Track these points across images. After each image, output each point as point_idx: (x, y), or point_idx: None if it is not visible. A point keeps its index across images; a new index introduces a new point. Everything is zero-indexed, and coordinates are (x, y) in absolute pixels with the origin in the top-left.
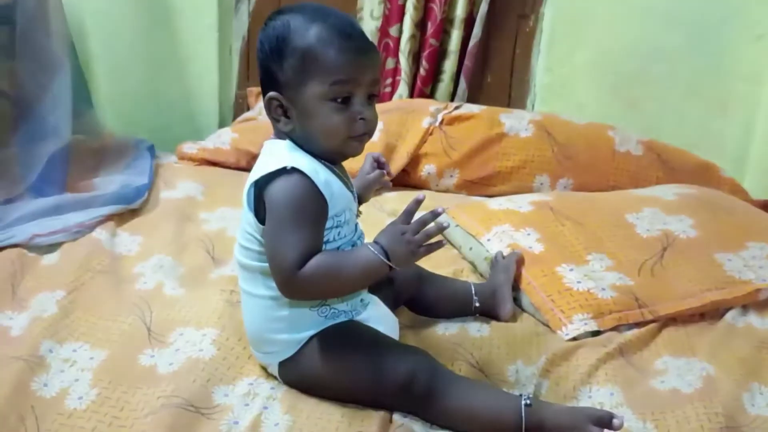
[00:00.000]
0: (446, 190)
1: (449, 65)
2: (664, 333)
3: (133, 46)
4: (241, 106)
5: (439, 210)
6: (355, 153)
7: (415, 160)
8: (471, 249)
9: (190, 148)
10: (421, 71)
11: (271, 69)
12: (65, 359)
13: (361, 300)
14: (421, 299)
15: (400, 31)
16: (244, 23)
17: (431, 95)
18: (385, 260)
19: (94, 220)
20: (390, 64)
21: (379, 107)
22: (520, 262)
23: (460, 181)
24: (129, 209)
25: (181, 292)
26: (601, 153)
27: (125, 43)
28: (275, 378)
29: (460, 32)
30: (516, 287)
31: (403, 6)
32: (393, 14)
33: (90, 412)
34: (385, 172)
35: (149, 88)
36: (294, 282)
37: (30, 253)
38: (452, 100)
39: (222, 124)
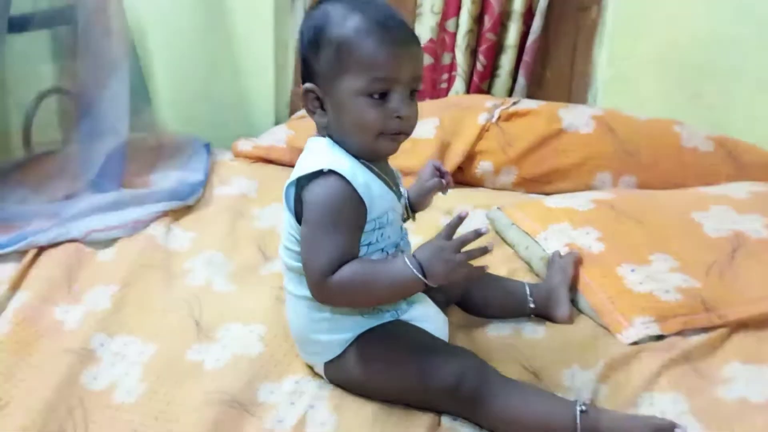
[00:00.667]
0: (503, 188)
1: (507, 60)
2: (733, 339)
3: (191, 44)
4: (296, 104)
5: (483, 230)
6: (389, 152)
7: (470, 157)
8: (527, 248)
9: (245, 145)
10: (478, 67)
11: (308, 60)
12: (115, 353)
13: (407, 299)
14: (473, 298)
15: (457, 26)
16: (300, 19)
17: (488, 91)
18: (421, 276)
19: (149, 216)
20: (446, 59)
21: (434, 103)
22: (578, 262)
23: (518, 178)
24: (184, 206)
25: (230, 288)
26: (667, 149)
27: (183, 42)
28: (322, 377)
29: (519, 26)
30: (574, 288)
31: (460, 0)
32: (450, 9)
33: (138, 405)
34: (444, 181)
35: (206, 86)
36: (324, 288)
37: (87, 248)
38: (510, 96)
39: (278, 122)
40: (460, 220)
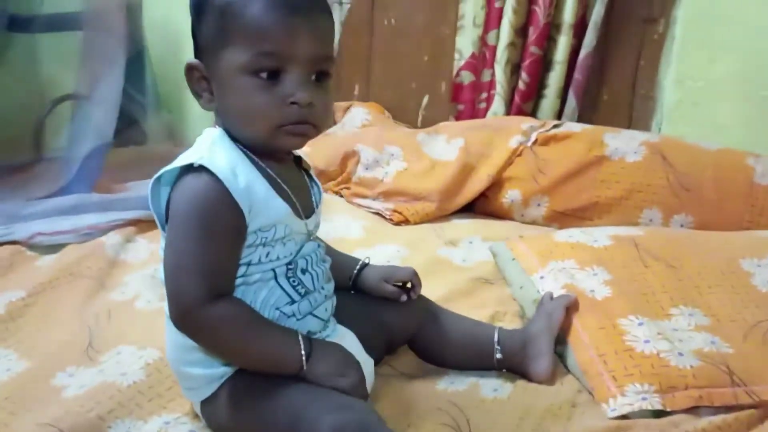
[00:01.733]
0: (533, 222)
1: (555, 78)
2: (766, 425)
3: None
4: (330, 123)
5: None
6: (289, 148)
7: (497, 184)
8: (521, 288)
9: None
10: (520, 85)
11: (194, 30)
12: None
13: (308, 332)
14: (426, 340)
15: (498, 39)
16: (336, 34)
17: (533, 114)
18: (303, 362)
19: (108, 224)
20: (485, 76)
21: (461, 124)
22: (572, 307)
23: (549, 211)
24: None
25: (156, 306)
26: (735, 185)
27: None
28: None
29: (569, 39)
30: (562, 340)
31: (501, 9)
32: (491, 19)
33: None
34: (406, 297)
35: None
36: (193, 317)
37: (29, 251)
38: (558, 119)
39: None
40: None
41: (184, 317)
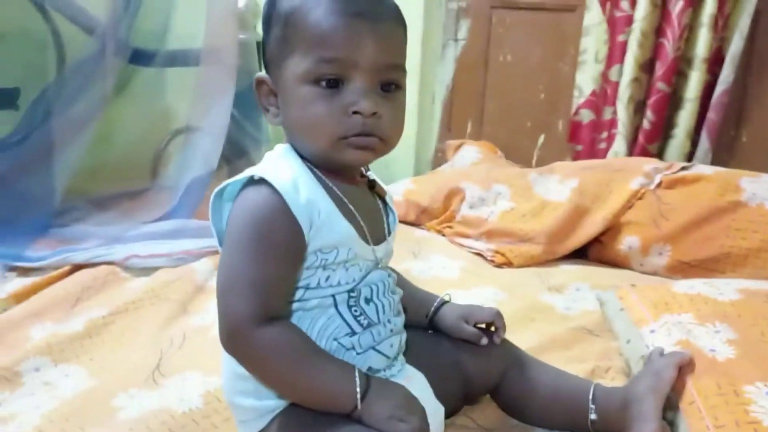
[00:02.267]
0: (653, 273)
1: (685, 117)
2: None
3: None
4: (439, 161)
5: None
6: (355, 163)
7: (615, 229)
8: (628, 342)
9: None
10: (645, 124)
11: (263, 43)
12: (46, 382)
13: (369, 368)
14: (510, 392)
15: (620, 74)
16: (450, 70)
17: (659, 156)
18: (358, 401)
19: (203, 250)
20: (606, 114)
21: (581, 164)
22: (686, 367)
23: (673, 261)
24: None
25: None
26: None
27: None
28: None
29: (702, 75)
30: (673, 404)
31: (625, 43)
32: (613, 54)
33: None
34: (487, 340)
35: None
36: (241, 341)
37: (123, 272)
38: (689, 162)
39: (417, 176)
40: None
41: (232, 338)
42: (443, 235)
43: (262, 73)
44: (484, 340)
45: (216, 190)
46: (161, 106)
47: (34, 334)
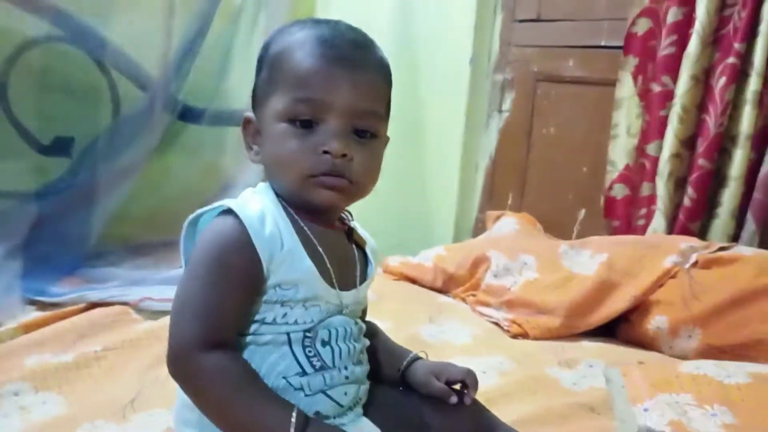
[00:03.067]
0: (684, 357)
1: (729, 196)
2: None
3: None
4: (479, 231)
5: None
6: (323, 203)
7: (645, 308)
8: (622, 422)
9: (394, 260)
10: (686, 201)
11: (254, 84)
12: (22, 407)
13: (317, 413)
14: None
15: (661, 149)
16: (493, 141)
17: (701, 235)
18: None
19: None
20: (645, 190)
21: (614, 239)
22: None
23: (702, 345)
24: None
25: None
26: None
27: None
28: None
29: (746, 152)
30: None
31: (666, 118)
32: (652, 128)
33: None
34: (456, 399)
35: (389, 198)
36: (183, 364)
37: (136, 314)
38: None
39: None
40: None
41: (175, 360)
42: (466, 303)
43: (250, 113)
44: (453, 399)
45: (190, 218)
46: (206, 162)
47: (27, 363)
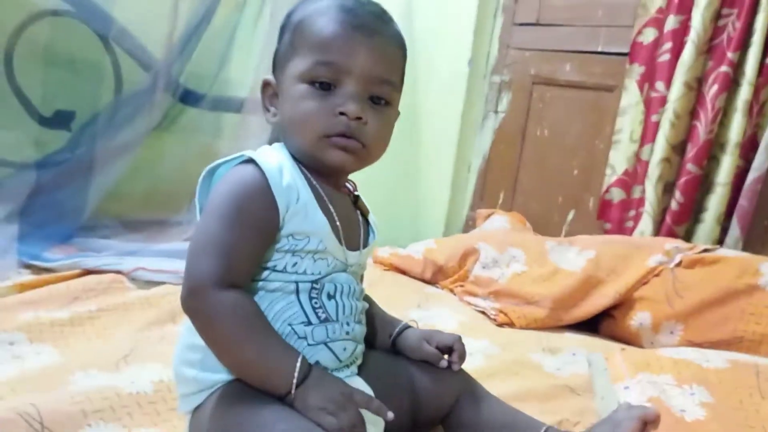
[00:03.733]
0: None
1: (715, 202)
2: None
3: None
4: (469, 228)
5: (389, 416)
6: (334, 163)
7: (627, 305)
8: (602, 399)
9: (384, 252)
10: (674, 205)
11: (275, 49)
12: (16, 356)
13: (317, 363)
14: (459, 422)
15: (651, 154)
16: (487, 141)
17: (686, 238)
18: (294, 385)
19: None
20: (635, 193)
21: (601, 238)
22: (650, 423)
23: (683, 341)
24: None
25: None
26: None
27: None
28: None
29: (734, 160)
30: None
31: (658, 123)
32: (647, 133)
33: None
34: (447, 362)
35: (383, 196)
36: (198, 299)
37: (129, 283)
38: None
39: None
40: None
41: (190, 295)
42: (454, 293)
43: (269, 76)
44: (444, 362)
45: (208, 168)
46: (203, 145)
47: (22, 317)
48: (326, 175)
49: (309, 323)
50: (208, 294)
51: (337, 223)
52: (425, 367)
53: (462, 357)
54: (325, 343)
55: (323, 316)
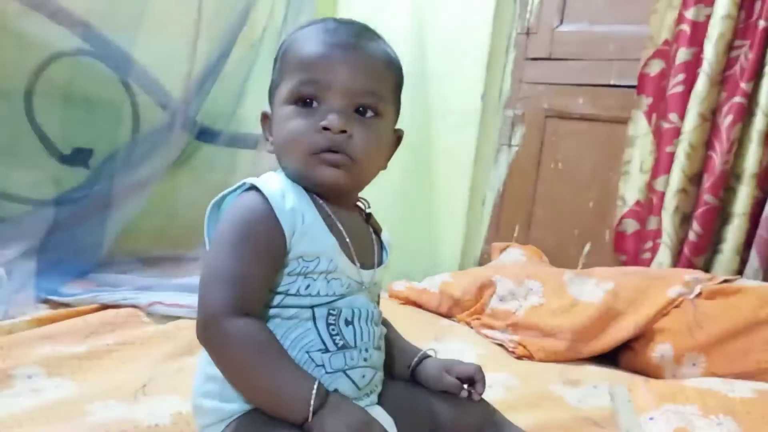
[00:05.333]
0: None
1: (734, 232)
2: None
3: (392, 185)
4: (485, 262)
5: None
6: (326, 181)
7: (647, 337)
8: (627, 431)
9: (400, 285)
10: (691, 236)
11: (269, 84)
12: (34, 389)
13: (336, 391)
14: None
15: (667, 185)
16: (501, 175)
17: (705, 270)
18: (311, 412)
19: None
20: (651, 224)
21: (619, 269)
22: None
23: (707, 373)
24: None
25: None
26: None
27: (384, 180)
28: None
29: (751, 190)
30: None
31: (673, 154)
32: (660, 164)
33: None
34: (467, 392)
35: (398, 230)
36: (212, 328)
37: (145, 318)
38: None
39: None
40: None
41: (204, 326)
42: (471, 327)
43: (267, 109)
44: (465, 392)
45: (214, 200)
46: (218, 181)
47: (41, 352)
48: (326, 193)
49: (326, 350)
50: (220, 323)
51: (347, 240)
52: (446, 397)
53: (483, 386)
54: (344, 371)
55: (341, 342)
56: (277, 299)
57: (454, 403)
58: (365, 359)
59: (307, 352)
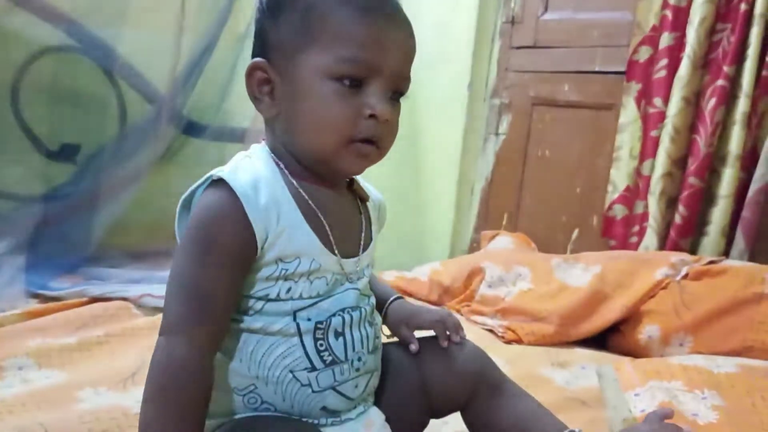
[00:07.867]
0: None
1: (718, 214)
2: None
3: (380, 176)
4: (474, 250)
5: None
6: (351, 172)
7: (635, 319)
8: (614, 408)
9: (390, 275)
10: (677, 219)
11: (264, 29)
12: (25, 379)
13: (325, 408)
14: (477, 416)
15: (653, 169)
16: (489, 163)
17: (691, 251)
18: None
19: None
20: (638, 208)
21: (606, 254)
22: (669, 418)
23: (693, 353)
24: None
25: None
26: None
27: (375, 174)
28: None
29: (735, 172)
30: None
31: (658, 138)
32: (646, 149)
33: None
34: (416, 348)
35: (388, 221)
36: (162, 340)
37: (135, 310)
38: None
39: None
40: None
41: (159, 333)
42: (461, 314)
43: (260, 59)
44: (413, 347)
45: (183, 198)
46: (202, 175)
47: (31, 344)
48: (325, 177)
49: (313, 369)
50: (168, 340)
51: (328, 231)
52: (432, 358)
53: (457, 330)
54: (333, 388)
55: (329, 359)
56: (258, 305)
57: (443, 366)
58: (357, 369)
59: (291, 371)
